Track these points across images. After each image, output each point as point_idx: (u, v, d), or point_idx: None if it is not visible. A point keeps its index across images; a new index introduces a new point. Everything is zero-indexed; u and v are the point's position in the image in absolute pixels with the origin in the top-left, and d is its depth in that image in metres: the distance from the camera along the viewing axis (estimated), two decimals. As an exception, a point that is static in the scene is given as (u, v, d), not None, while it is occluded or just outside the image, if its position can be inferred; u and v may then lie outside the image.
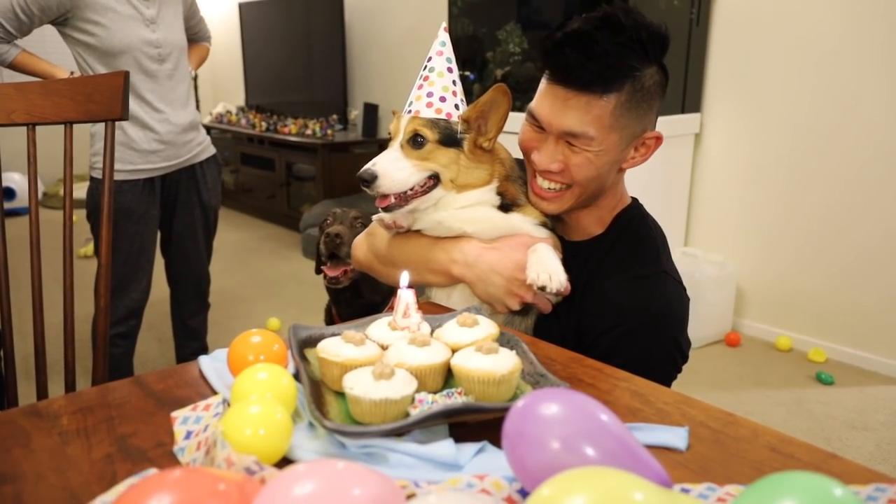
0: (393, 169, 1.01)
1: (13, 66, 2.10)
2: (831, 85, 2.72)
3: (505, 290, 1.03)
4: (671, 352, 1.06)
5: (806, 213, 2.88)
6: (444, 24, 1.09)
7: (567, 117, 1.01)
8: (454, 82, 1.05)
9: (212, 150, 2.36)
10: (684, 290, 1.11)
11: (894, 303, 2.68)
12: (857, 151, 2.69)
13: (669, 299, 1.07)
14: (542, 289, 0.97)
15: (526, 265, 1.02)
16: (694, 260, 3.02)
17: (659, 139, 1.09)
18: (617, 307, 1.05)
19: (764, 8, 2.86)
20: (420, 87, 1.05)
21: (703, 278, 2.91)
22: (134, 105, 2.09)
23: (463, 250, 1.05)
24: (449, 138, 1.03)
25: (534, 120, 1.07)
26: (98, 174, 2.14)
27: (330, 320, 1.89)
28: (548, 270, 0.97)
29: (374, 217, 1.11)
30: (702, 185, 3.19)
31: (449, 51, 1.06)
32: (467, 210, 1.07)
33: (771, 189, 2.97)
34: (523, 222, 1.08)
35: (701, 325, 2.96)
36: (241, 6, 5.54)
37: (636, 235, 1.13)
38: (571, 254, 1.11)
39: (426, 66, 1.06)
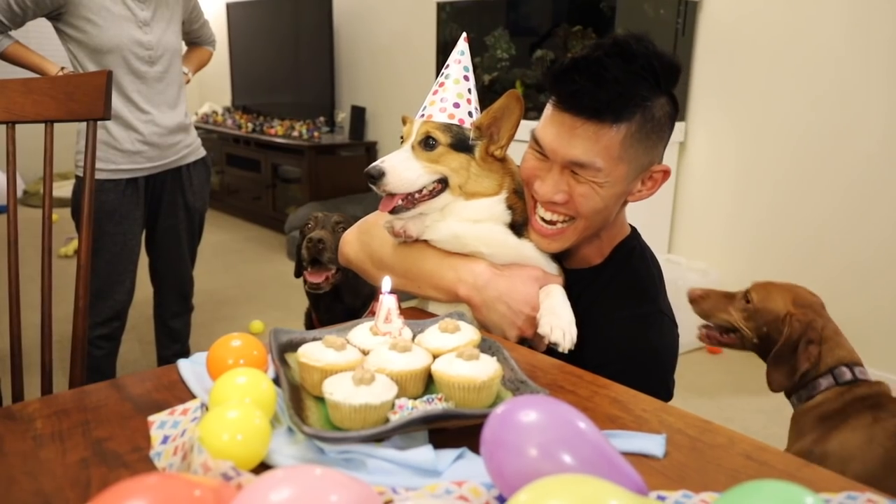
0: (402, 168, 0.99)
1: (4, 57, 2.08)
2: (816, 93, 2.76)
3: (508, 321, 1.01)
4: (660, 393, 1.04)
5: (789, 221, 2.91)
6: (465, 35, 1.07)
7: (574, 146, 0.97)
8: (469, 90, 1.04)
9: (201, 153, 2.33)
10: (676, 327, 1.11)
11: (876, 313, 2.72)
12: (842, 160, 2.73)
13: (664, 341, 1.07)
14: (554, 344, 0.93)
15: (534, 300, 1.01)
16: (677, 267, 3.05)
17: (667, 173, 1.05)
18: (613, 346, 1.03)
19: (748, 17, 2.89)
20: (435, 92, 1.04)
21: (687, 285, 2.91)
22: (119, 105, 2.08)
23: (474, 272, 1.02)
24: (461, 143, 1.01)
25: (538, 146, 1.03)
26: (82, 172, 2.12)
27: (310, 324, 1.88)
28: (562, 326, 0.94)
29: (383, 222, 1.06)
30: (686, 192, 3.22)
31: (467, 59, 1.05)
32: (482, 227, 1.04)
33: (754, 197, 3.00)
34: (536, 253, 1.06)
35: (683, 332, 2.97)
36: (228, 6, 5.51)
37: (635, 270, 1.10)
38: (569, 282, 1.09)
39: (443, 73, 1.05)
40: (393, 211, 1.01)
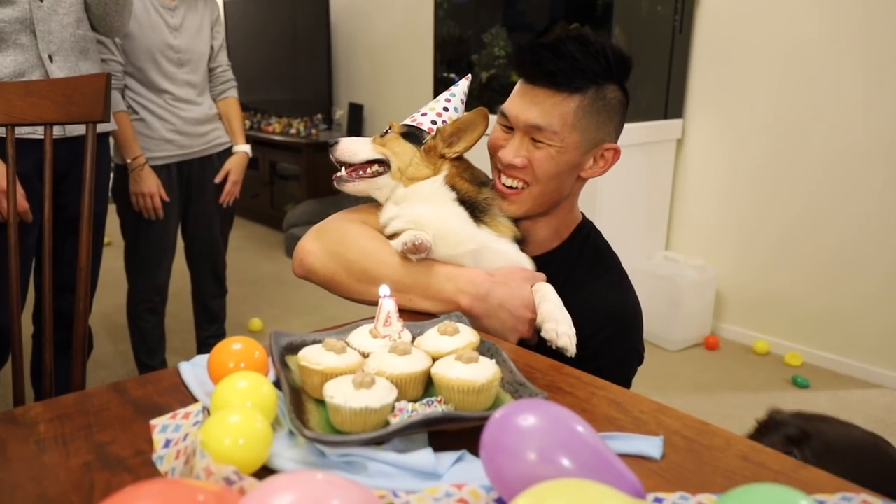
0: (352, 141, 1.13)
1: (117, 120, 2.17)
2: (813, 91, 2.76)
3: (510, 327, 1.03)
4: (639, 352, 1.17)
5: (787, 218, 2.92)
6: (469, 76, 1.22)
7: (533, 112, 1.10)
8: (445, 109, 1.16)
9: (228, 144, 2.54)
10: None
11: (868, 308, 2.73)
12: (842, 156, 2.74)
13: (637, 303, 1.18)
14: (561, 349, 0.94)
15: (531, 302, 1.03)
16: (675, 264, 3.06)
17: (617, 152, 1.17)
18: (599, 313, 1.09)
19: (746, 14, 2.90)
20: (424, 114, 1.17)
21: (684, 282, 2.94)
22: (153, 97, 2.25)
23: (473, 282, 1.02)
24: (412, 135, 1.13)
25: (504, 119, 1.15)
26: (118, 160, 2.31)
27: None
28: (567, 332, 0.96)
29: (400, 242, 1.04)
30: (683, 190, 3.23)
31: (457, 90, 1.18)
32: (460, 228, 1.07)
33: (752, 195, 3.01)
34: (517, 252, 1.10)
35: (681, 329, 3.00)
36: (225, 3, 5.49)
37: (597, 246, 1.22)
38: (539, 267, 1.12)
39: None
40: (338, 181, 1.12)
